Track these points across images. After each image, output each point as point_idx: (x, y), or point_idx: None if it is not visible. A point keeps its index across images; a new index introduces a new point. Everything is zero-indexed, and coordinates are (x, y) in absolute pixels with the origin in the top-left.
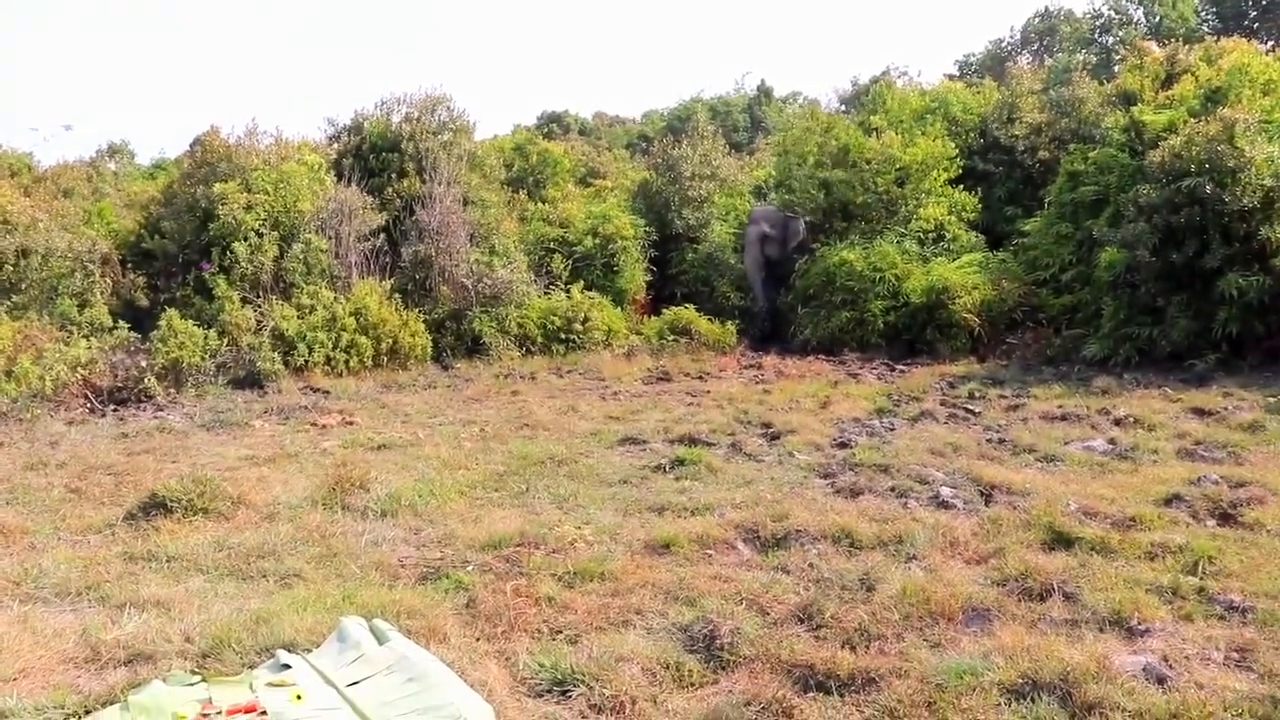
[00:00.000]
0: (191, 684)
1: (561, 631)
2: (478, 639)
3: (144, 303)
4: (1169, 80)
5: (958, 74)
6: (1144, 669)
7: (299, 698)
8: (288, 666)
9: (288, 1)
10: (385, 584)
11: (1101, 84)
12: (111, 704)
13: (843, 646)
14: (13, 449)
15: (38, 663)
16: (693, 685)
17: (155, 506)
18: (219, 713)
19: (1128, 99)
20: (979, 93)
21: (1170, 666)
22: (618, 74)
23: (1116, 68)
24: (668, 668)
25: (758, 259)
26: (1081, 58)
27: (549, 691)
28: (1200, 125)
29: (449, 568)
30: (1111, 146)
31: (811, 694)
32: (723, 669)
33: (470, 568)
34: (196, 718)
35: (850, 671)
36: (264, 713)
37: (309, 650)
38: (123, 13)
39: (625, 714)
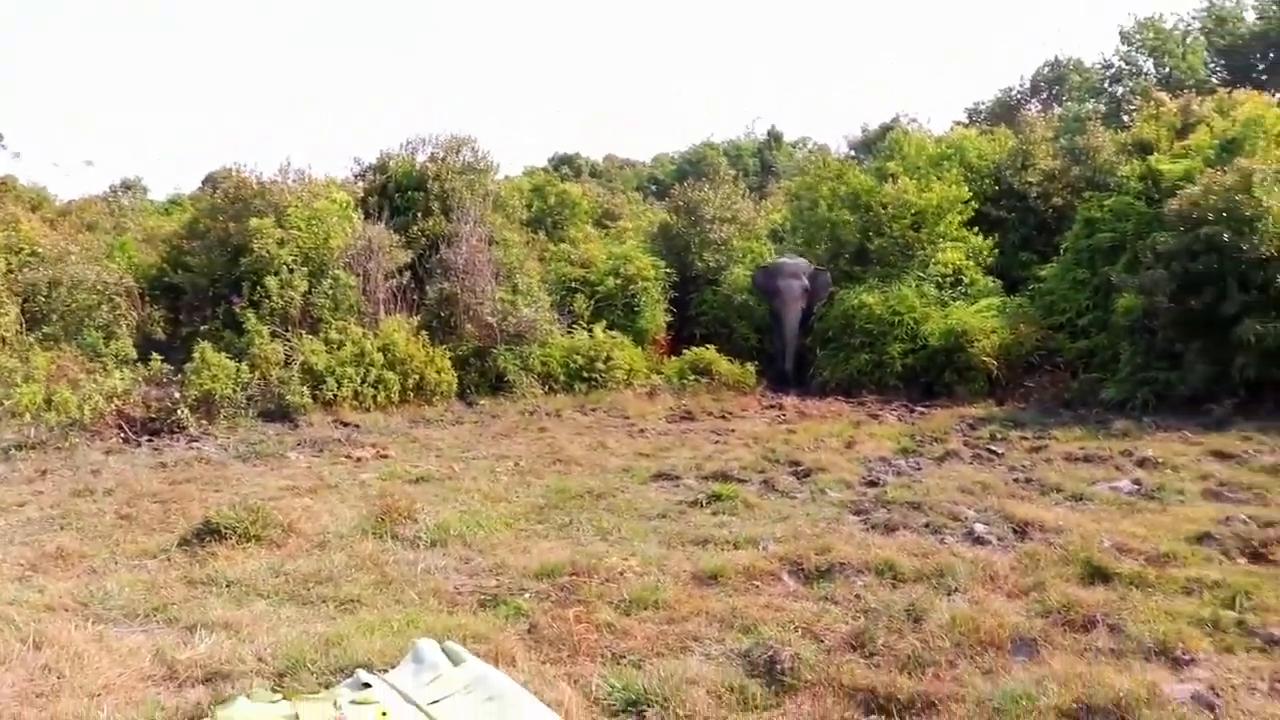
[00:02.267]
0: (275, 701)
1: (624, 657)
2: (544, 662)
3: (161, 336)
4: (1184, 130)
5: (967, 121)
6: (1193, 696)
7: (384, 715)
8: (368, 685)
9: (302, 45)
10: (445, 610)
11: (1115, 133)
12: (199, 719)
13: (900, 672)
14: (57, 476)
15: (118, 680)
16: (758, 708)
17: (209, 533)
18: None
19: (1143, 148)
20: (993, 140)
21: (1218, 695)
22: (628, 117)
23: (1126, 117)
24: (732, 691)
25: (797, 314)
26: (1091, 106)
27: (623, 712)
28: (1218, 175)
29: (506, 595)
30: (1128, 194)
31: (874, 717)
32: (785, 693)
33: (527, 595)
34: None
35: (910, 696)
36: None
37: (385, 671)
38: (129, 45)
39: None
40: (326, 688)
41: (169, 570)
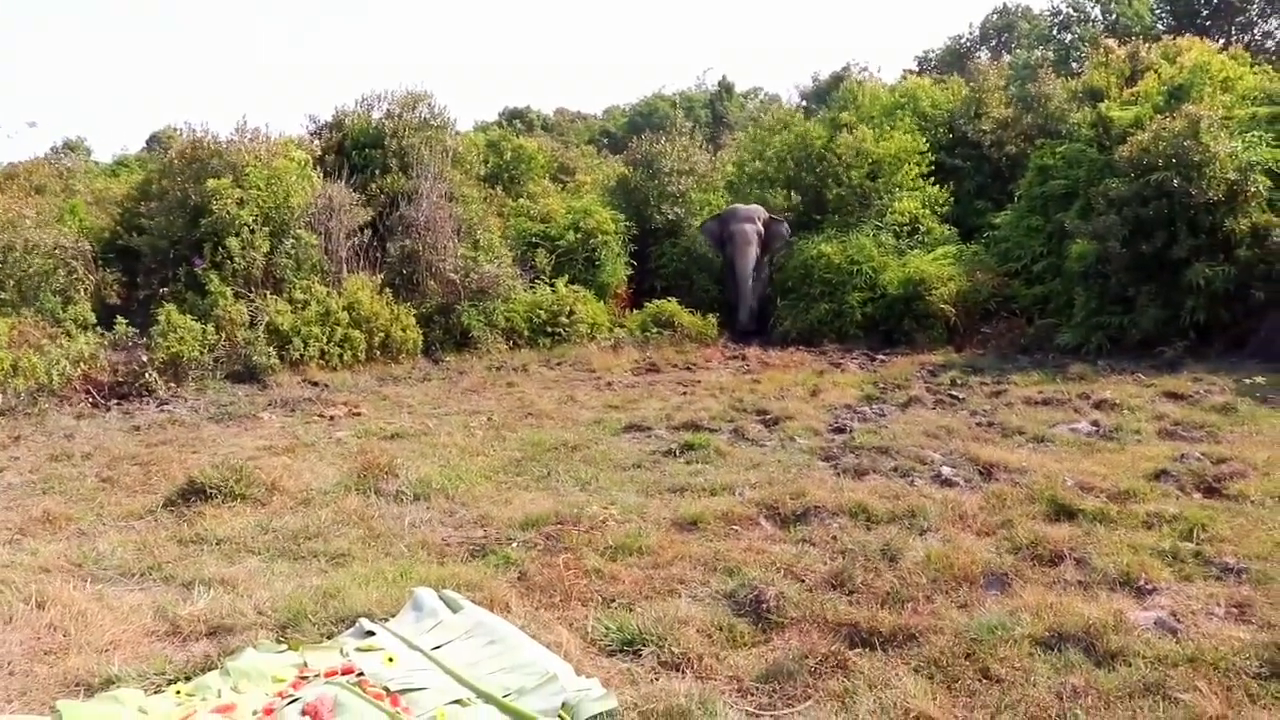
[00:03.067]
0: (282, 651)
1: (614, 600)
2: (537, 608)
3: (116, 300)
4: (1133, 77)
5: (917, 70)
6: (1156, 622)
7: (391, 660)
8: (371, 633)
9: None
10: (435, 561)
11: (1066, 80)
12: (210, 670)
13: (880, 607)
14: (31, 442)
15: (123, 636)
16: (747, 644)
17: (194, 493)
18: (316, 675)
19: (1094, 95)
20: (946, 89)
21: (1179, 621)
22: (578, 69)
23: (1075, 64)
24: (721, 629)
25: (750, 260)
26: (1040, 54)
27: (620, 651)
28: (1166, 121)
29: (493, 545)
30: (1080, 141)
31: (859, 649)
32: (772, 629)
33: (515, 545)
34: (295, 681)
35: (891, 629)
36: (360, 674)
37: (386, 620)
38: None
39: (694, 669)
40: (329, 638)
41: (157, 530)
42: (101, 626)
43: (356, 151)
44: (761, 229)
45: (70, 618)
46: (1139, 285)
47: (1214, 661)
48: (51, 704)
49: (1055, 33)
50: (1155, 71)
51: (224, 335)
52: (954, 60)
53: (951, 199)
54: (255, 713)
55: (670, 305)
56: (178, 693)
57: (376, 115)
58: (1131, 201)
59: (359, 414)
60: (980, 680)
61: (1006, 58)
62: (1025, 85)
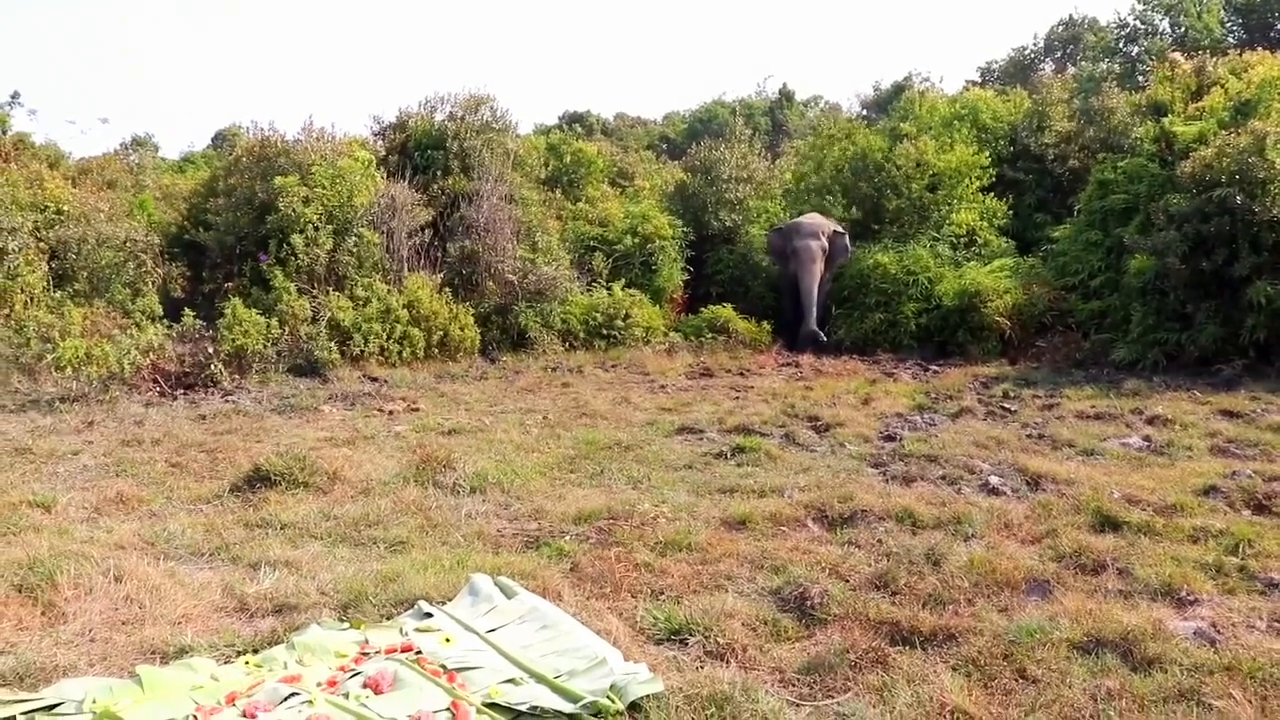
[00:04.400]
0: (345, 629)
1: (663, 593)
2: (589, 597)
3: (179, 293)
4: (1198, 92)
5: (980, 81)
6: (1195, 632)
7: (448, 640)
8: (429, 615)
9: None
10: (490, 550)
11: (1130, 94)
12: (277, 644)
13: (921, 608)
14: (103, 427)
15: (195, 610)
16: (790, 639)
17: (259, 480)
18: (377, 652)
19: (1158, 110)
20: (1008, 100)
21: (1219, 632)
22: (638, 75)
23: (1141, 77)
24: (766, 623)
25: (815, 277)
26: (1106, 66)
27: (667, 640)
28: (1231, 137)
29: (547, 537)
30: (1142, 156)
31: (899, 647)
32: (815, 625)
33: (568, 537)
34: (357, 656)
35: (931, 629)
36: (419, 652)
37: (443, 603)
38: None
39: (738, 659)
40: (389, 619)
41: (225, 514)
42: (174, 601)
43: (419, 152)
44: (826, 244)
45: (145, 591)
46: (1198, 302)
47: (1251, 671)
48: (131, 668)
49: (1121, 45)
50: (1222, 86)
51: (287, 329)
52: (1017, 72)
53: (1011, 212)
54: (319, 684)
55: (725, 311)
56: (247, 663)
57: (439, 117)
58: (1192, 217)
59: (417, 409)
60: (1017, 680)
61: (1071, 70)
62: (1089, 99)
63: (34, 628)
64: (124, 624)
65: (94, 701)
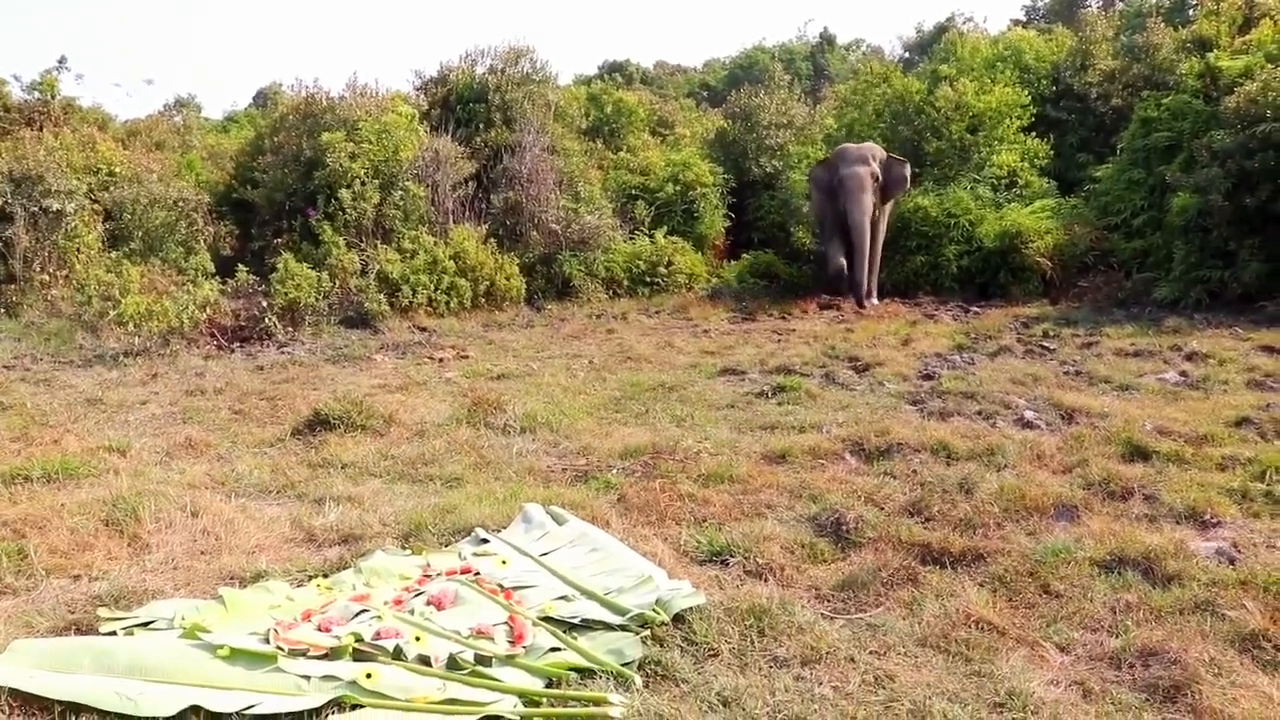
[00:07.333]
0: (407, 554)
1: (706, 520)
2: (635, 525)
3: (228, 251)
4: (1246, 25)
5: (1025, 20)
6: (1216, 551)
7: (504, 563)
8: (486, 541)
9: None
10: (541, 484)
11: (1176, 29)
12: (345, 569)
13: (952, 531)
14: (167, 379)
15: (266, 541)
16: (826, 560)
17: (319, 423)
18: (438, 574)
19: (1203, 45)
20: (1051, 40)
21: (1239, 551)
22: (678, 22)
23: (1190, 12)
24: (803, 546)
25: (866, 209)
26: (1154, 1)
27: (709, 561)
28: (1277, 71)
29: (595, 472)
30: (1186, 93)
31: (929, 566)
32: (850, 548)
33: (615, 471)
34: (420, 578)
35: (961, 550)
36: (478, 573)
37: (498, 531)
38: None
39: (776, 577)
40: (447, 546)
41: (288, 455)
42: (247, 533)
43: (461, 106)
44: (878, 171)
45: (220, 524)
46: (1241, 239)
47: (1265, 584)
48: (214, 591)
49: None
50: (1271, 18)
51: (337, 283)
52: (1063, 9)
53: (1053, 152)
54: (386, 602)
55: (767, 256)
56: (318, 586)
57: (480, 70)
58: (1236, 154)
59: (466, 357)
60: (1040, 594)
61: (1118, 6)
62: (1133, 35)
63: (122, 558)
64: (203, 553)
65: (183, 619)
